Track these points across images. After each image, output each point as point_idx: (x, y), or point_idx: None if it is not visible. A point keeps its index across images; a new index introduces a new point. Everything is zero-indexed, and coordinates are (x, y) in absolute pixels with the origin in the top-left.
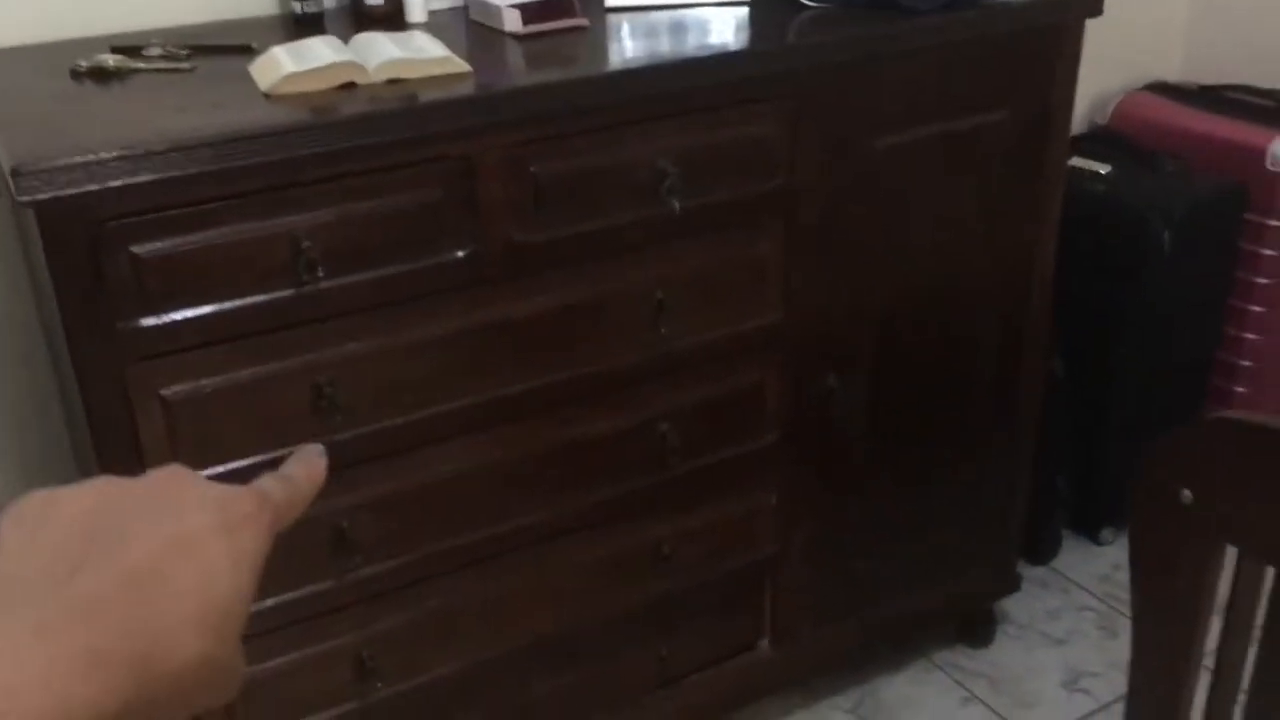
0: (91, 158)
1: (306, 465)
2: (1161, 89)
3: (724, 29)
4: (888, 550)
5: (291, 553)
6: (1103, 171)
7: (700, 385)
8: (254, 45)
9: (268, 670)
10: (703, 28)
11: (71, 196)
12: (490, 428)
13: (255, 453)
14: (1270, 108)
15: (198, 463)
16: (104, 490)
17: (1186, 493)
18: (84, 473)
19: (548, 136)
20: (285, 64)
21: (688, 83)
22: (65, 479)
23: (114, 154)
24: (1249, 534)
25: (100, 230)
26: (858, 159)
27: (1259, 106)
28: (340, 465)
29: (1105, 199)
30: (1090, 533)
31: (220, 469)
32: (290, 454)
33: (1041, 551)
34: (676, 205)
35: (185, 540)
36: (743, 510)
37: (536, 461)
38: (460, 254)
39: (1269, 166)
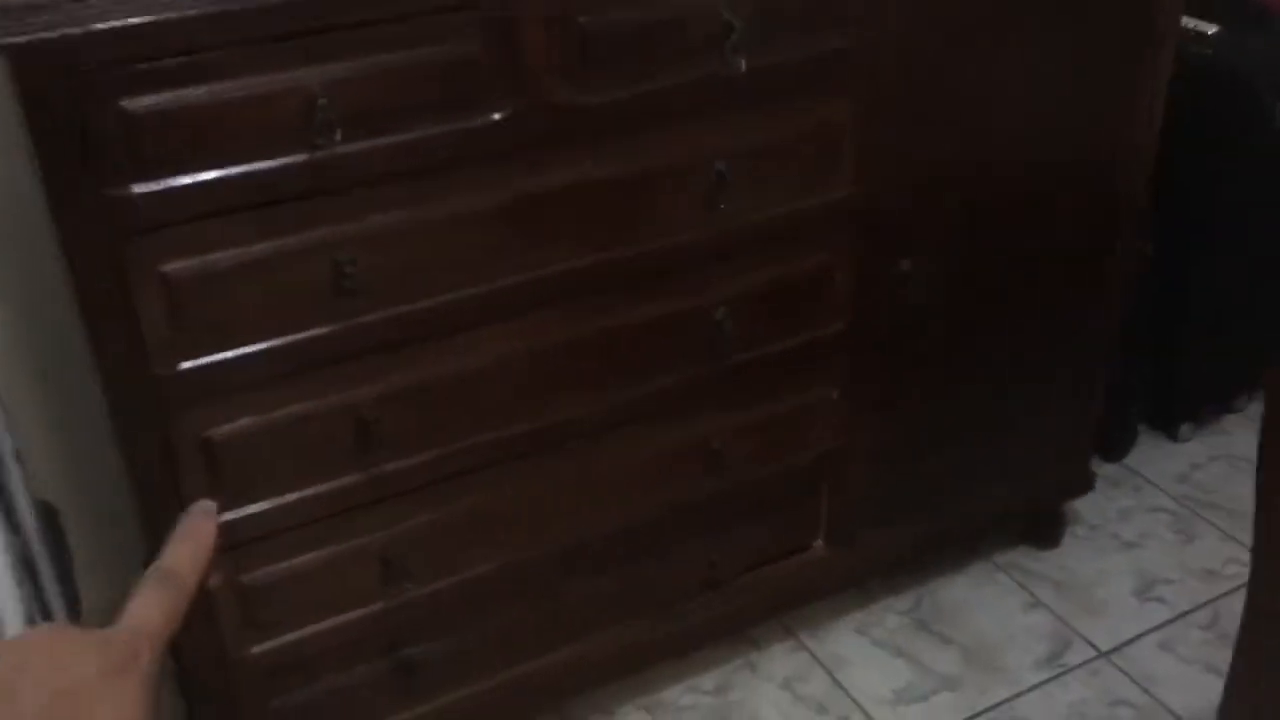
0: None
1: (193, 541)
2: None
3: None
4: (956, 448)
5: (314, 446)
6: (1209, 32)
7: (761, 268)
8: None
9: (290, 569)
10: None
11: (50, 40)
12: (529, 312)
13: (269, 337)
14: None
15: (206, 347)
16: None
17: None
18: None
19: None
20: None
21: None
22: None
23: None
24: None
25: (85, 81)
26: (944, 7)
27: None
28: (364, 351)
29: (1210, 64)
30: (1167, 429)
31: (231, 354)
32: (182, 523)
33: (1115, 447)
34: (743, 64)
35: (71, 691)
36: (802, 405)
37: (579, 351)
38: (497, 116)
39: None
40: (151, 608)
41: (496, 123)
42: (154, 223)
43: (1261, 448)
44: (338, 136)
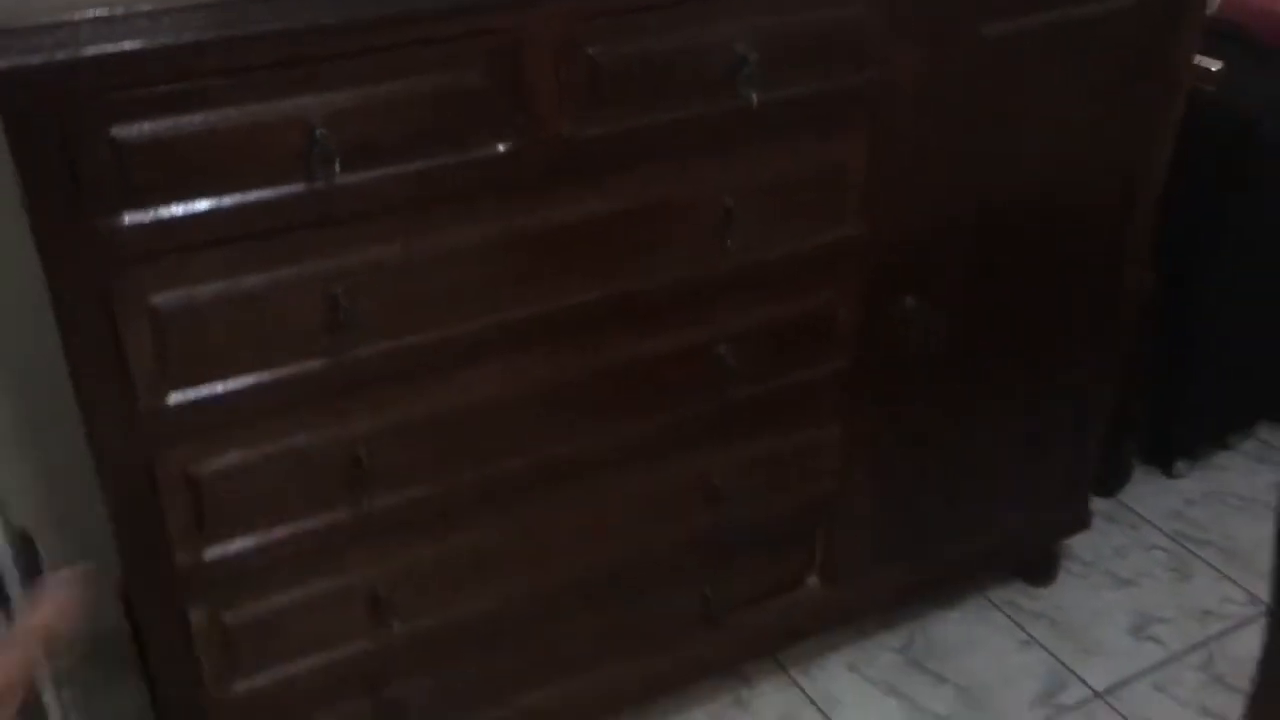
0: (63, 18)
1: (50, 608)
2: None
3: None
4: (955, 486)
5: (303, 481)
6: (1213, 69)
7: (767, 304)
8: None
9: (274, 606)
10: None
11: (38, 66)
12: (528, 348)
13: (259, 370)
14: None
15: (194, 380)
16: None
17: None
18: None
19: (610, 11)
20: None
21: None
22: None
23: (91, 14)
24: None
25: (74, 108)
26: (961, 48)
27: None
28: (357, 386)
29: (1214, 100)
30: (1163, 464)
31: (220, 388)
32: None
33: (1110, 482)
34: (754, 98)
35: None
36: (803, 442)
37: (578, 386)
38: (501, 148)
39: None
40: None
41: (500, 155)
42: (144, 253)
43: None
44: (337, 167)
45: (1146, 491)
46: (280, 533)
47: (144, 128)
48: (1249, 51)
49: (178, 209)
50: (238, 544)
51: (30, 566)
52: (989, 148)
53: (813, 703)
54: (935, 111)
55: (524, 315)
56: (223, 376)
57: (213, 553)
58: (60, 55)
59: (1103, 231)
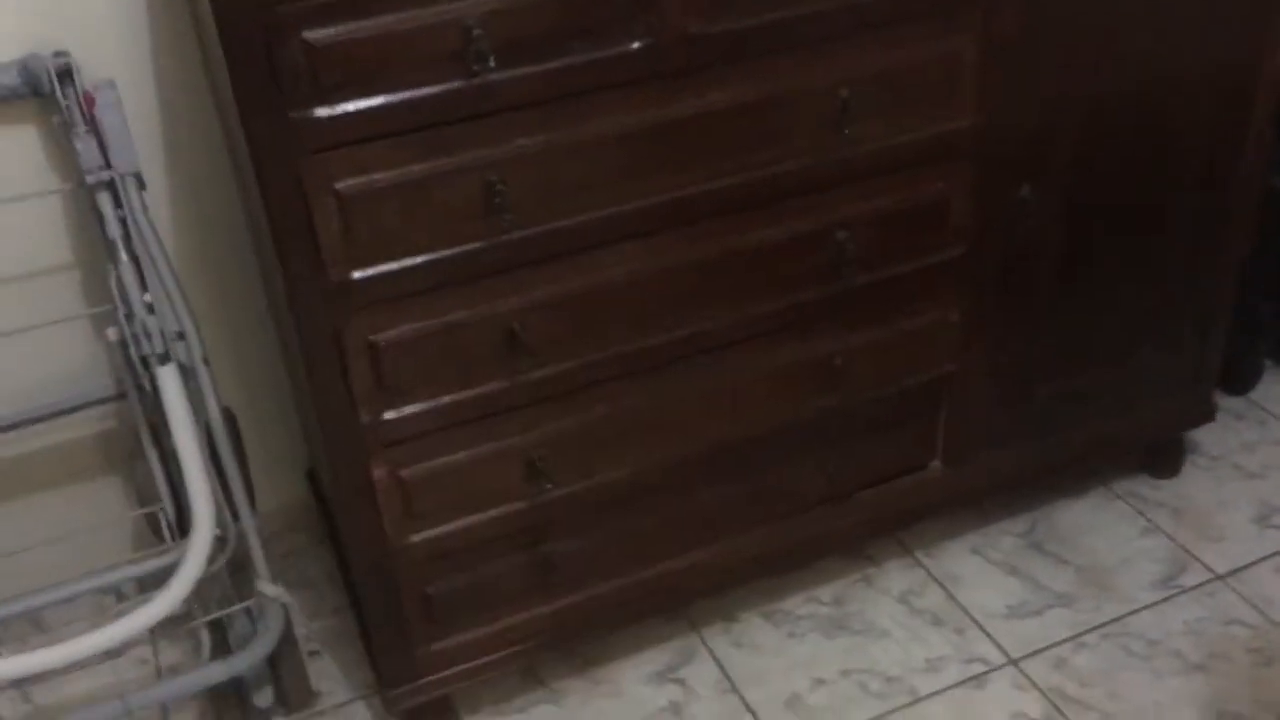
0: None
1: None
2: None
3: None
4: (1075, 374)
5: (465, 352)
6: None
7: (883, 193)
8: None
9: (444, 465)
10: None
11: None
12: (663, 231)
13: (427, 251)
14: None
15: (373, 259)
16: None
17: None
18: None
19: None
20: None
21: None
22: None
23: None
24: None
25: (273, 16)
26: None
27: None
28: (512, 265)
29: None
30: None
31: (394, 265)
32: None
33: (1240, 381)
34: None
35: None
36: (922, 326)
37: (708, 268)
38: (635, 45)
39: None
40: None
41: (634, 51)
42: (330, 143)
43: None
44: (491, 63)
45: (1276, 390)
46: (446, 398)
47: (328, 32)
48: None
49: (357, 104)
50: (411, 408)
51: (235, 441)
52: (1098, 38)
53: (936, 580)
54: (1045, 6)
55: (657, 201)
56: (397, 255)
57: (390, 414)
58: None
59: (1222, 118)
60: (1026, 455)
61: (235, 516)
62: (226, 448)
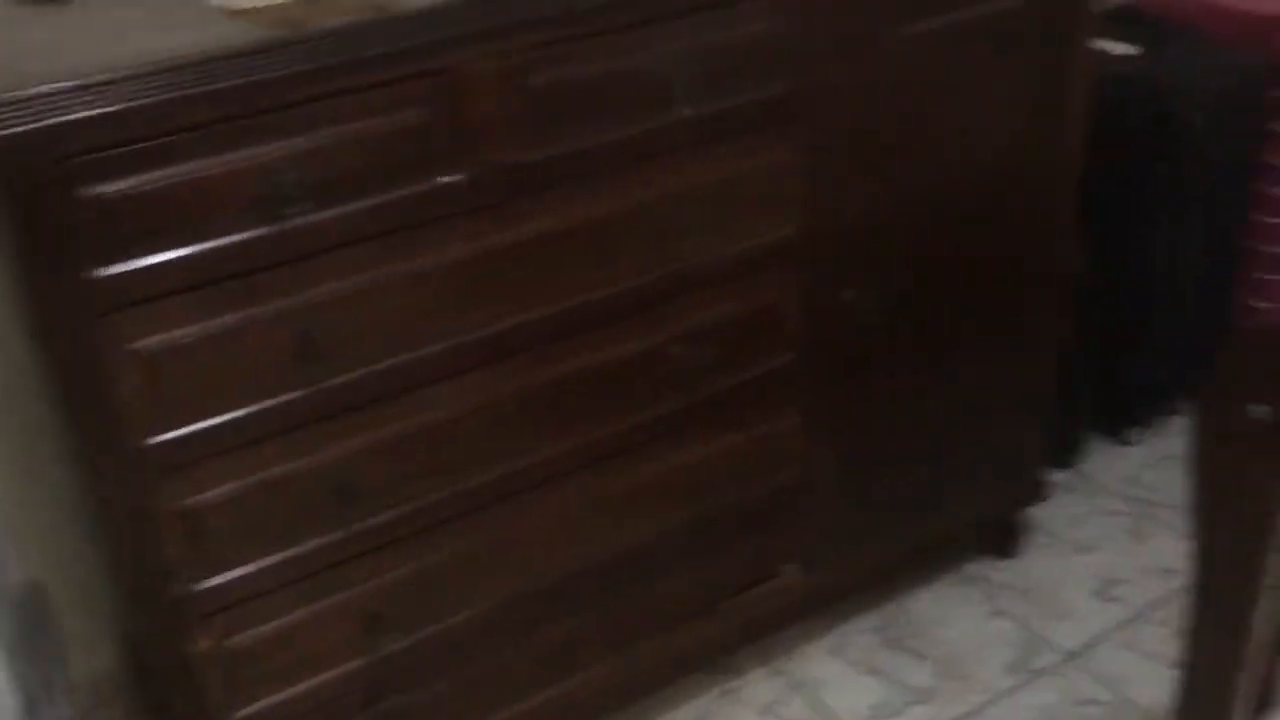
0: (44, 89)
1: None
2: None
3: None
4: (914, 467)
5: (293, 506)
6: (1130, 53)
7: (714, 305)
8: None
9: (275, 629)
10: None
11: (23, 134)
12: (496, 362)
13: (241, 405)
14: None
15: (181, 418)
16: None
17: (1263, 408)
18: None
19: (543, 43)
20: None
21: None
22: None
23: (69, 84)
24: None
25: (57, 169)
26: (874, 53)
27: None
28: (336, 412)
29: (1133, 81)
30: (1115, 433)
31: (206, 424)
32: None
33: (1065, 454)
34: (687, 112)
35: None
36: (763, 434)
37: (547, 393)
38: (451, 179)
39: None
40: None
41: (450, 185)
42: (125, 301)
43: (1197, 482)
44: (298, 208)
45: (1102, 461)
46: (275, 558)
47: (120, 185)
48: (1165, 34)
49: (154, 258)
50: (236, 571)
51: (44, 617)
52: (909, 141)
53: (798, 687)
54: (856, 112)
55: (486, 333)
56: (208, 413)
57: (213, 581)
58: (44, 122)
59: (1029, 207)
60: (876, 551)
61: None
62: (32, 623)
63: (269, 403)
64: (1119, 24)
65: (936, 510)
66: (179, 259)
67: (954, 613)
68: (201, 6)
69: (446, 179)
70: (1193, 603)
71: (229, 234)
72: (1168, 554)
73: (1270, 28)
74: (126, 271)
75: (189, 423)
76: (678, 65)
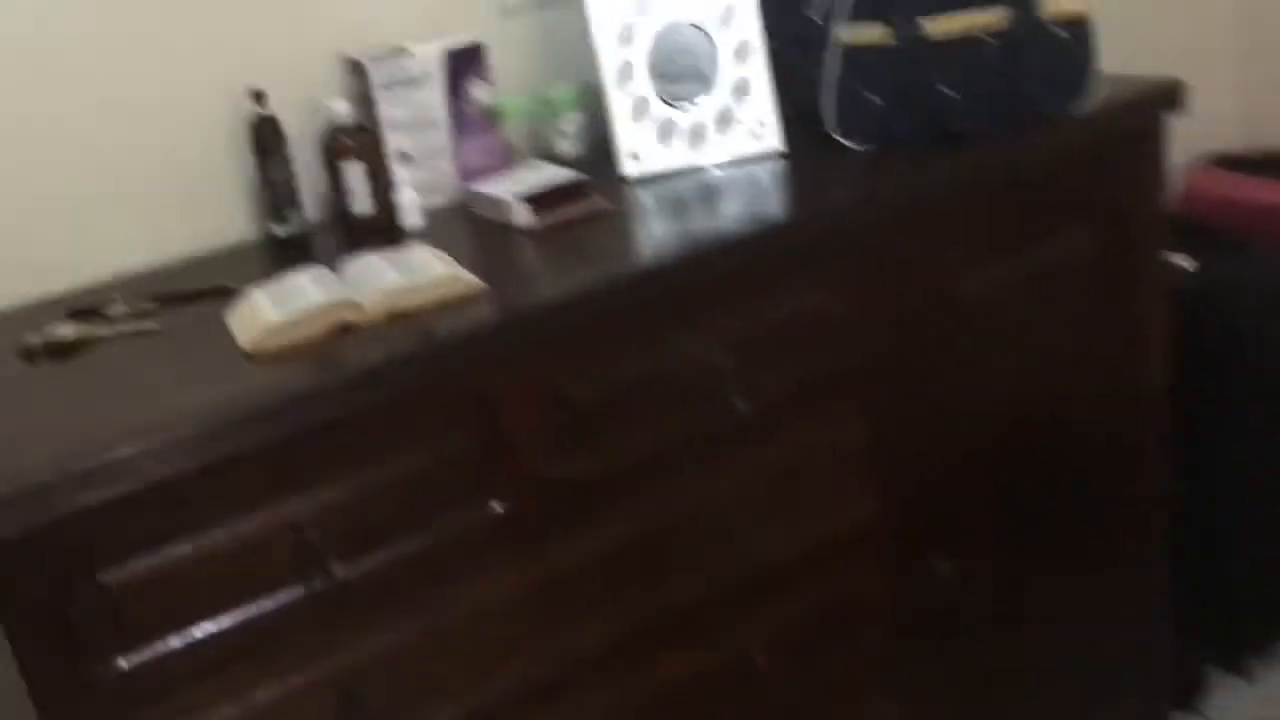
0: (44, 480)
1: None
2: (1226, 162)
3: (761, 191)
4: None
5: None
6: (1190, 268)
7: (792, 600)
8: (230, 285)
9: None
10: (738, 191)
11: (24, 533)
12: (561, 693)
13: None
14: None
15: None
16: None
17: None
18: None
19: (581, 352)
20: (267, 311)
21: (734, 263)
22: None
23: (73, 471)
24: None
25: (60, 562)
26: (934, 315)
27: None
28: None
29: (1197, 296)
30: (1236, 668)
31: None
32: None
33: (1185, 693)
34: (740, 405)
35: None
36: None
37: (624, 717)
38: (495, 506)
39: None
40: None
41: (494, 514)
42: (147, 694)
43: None
44: (332, 564)
45: (1226, 697)
46: None
47: (131, 567)
48: (1216, 242)
49: (176, 640)
50: None
51: None
52: (981, 395)
53: None
54: (922, 376)
55: (547, 664)
56: None
57: None
58: (46, 517)
59: (1117, 442)
60: None
61: None
62: None
63: None
64: (1173, 235)
65: None
66: (204, 638)
67: None
68: (227, 350)
69: (487, 509)
70: None
71: (257, 601)
72: None
73: None
74: (142, 662)
75: None
76: (724, 353)
